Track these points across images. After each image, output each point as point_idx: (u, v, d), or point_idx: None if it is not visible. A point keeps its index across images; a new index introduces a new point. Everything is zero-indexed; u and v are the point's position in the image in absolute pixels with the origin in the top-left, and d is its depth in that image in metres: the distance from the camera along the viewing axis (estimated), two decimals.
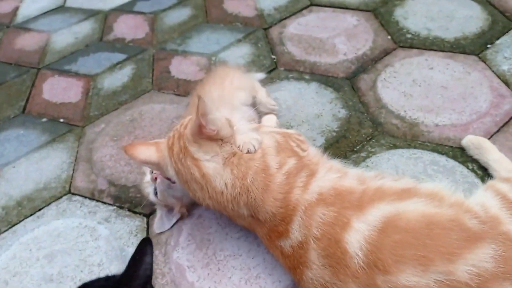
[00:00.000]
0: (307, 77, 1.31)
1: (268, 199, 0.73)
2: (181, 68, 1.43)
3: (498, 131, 1.06)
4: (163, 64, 1.47)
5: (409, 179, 0.79)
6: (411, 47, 1.36)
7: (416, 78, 1.24)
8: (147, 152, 0.81)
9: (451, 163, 1.00)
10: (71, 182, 1.13)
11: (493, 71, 1.21)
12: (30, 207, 1.09)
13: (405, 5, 1.54)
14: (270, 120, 1.09)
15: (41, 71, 1.54)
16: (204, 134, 0.74)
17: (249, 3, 1.72)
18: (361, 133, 1.11)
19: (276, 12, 1.63)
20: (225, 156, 0.76)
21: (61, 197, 1.10)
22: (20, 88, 1.48)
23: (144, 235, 0.98)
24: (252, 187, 0.74)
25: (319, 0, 1.66)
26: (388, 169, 1.00)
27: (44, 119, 1.34)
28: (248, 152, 0.76)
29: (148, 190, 0.97)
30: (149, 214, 1.03)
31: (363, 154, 1.05)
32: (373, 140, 1.09)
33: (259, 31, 1.55)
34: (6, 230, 1.05)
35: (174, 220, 0.98)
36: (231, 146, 0.77)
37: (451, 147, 1.04)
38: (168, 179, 0.91)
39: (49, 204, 1.09)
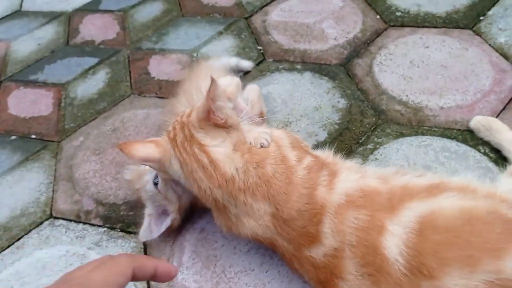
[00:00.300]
0: (299, 67, 1.23)
1: (293, 193, 0.66)
2: (161, 68, 1.32)
3: (504, 108, 1.00)
4: (141, 65, 1.36)
5: (433, 174, 0.73)
6: (402, 25, 1.29)
7: (413, 58, 1.17)
8: (146, 149, 0.72)
9: (462, 147, 0.94)
10: (52, 205, 1.02)
11: (490, 45, 1.16)
12: (6, 237, 0.97)
13: None
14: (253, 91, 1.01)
15: (3, 84, 1.40)
16: (212, 120, 0.68)
17: None
18: (364, 123, 1.04)
19: (255, 0, 1.53)
20: (233, 141, 0.70)
21: (42, 222, 0.99)
22: None
23: None
24: (274, 178, 0.66)
25: None
26: (398, 160, 0.94)
27: (13, 137, 1.21)
28: (262, 146, 0.70)
29: (146, 178, 0.86)
30: None
31: (370, 146, 0.98)
32: (378, 130, 1.02)
33: (240, 21, 1.45)
34: None
35: (164, 228, 0.86)
36: (239, 133, 0.71)
37: (460, 130, 0.98)
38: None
39: (29, 232, 0.97)
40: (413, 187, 0.68)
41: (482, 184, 0.69)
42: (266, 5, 1.50)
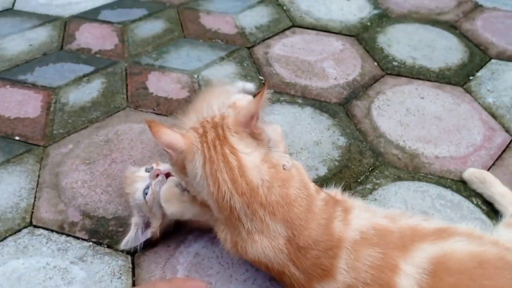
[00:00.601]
0: (299, 101, 1.25)
1: (312, 221, 0.65)
2: (160, 85, 1.30)
3: (493, 164, 1.06)
4: (139, 79, 1.33)
5: (439, 220, 0.75)
6: (399, 75, 1.35)
7: (410, 107, 1.22)
8: (173, 135, 0.68)
9: (457, 197, 0.97)
10: (32, 212, 0.95)
11: (479, 103, 1.23)
12: None
13: (387, 33, 1.55)
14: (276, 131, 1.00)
15: None
16: (251, 127, 0.68)
17: (228, 19, 1.64)
18: (363, 163, 1.06)
19: (258, 31, 1.56)
20: (262, 155, 0.69)
21: (20, 230, 0.91)
22: None
23: (130, 277, 0.83)
24: (295, 202, 0.65)
25: (301, 22, 1.62)
26: (397, 203, 0.95)
27: None
28: (284, 168, 0.69)
29: (138, 185, 0.85)
30: (134, 252, 0.88)
31: (369, 186, 1.00)
32: (377, 171, 1.04)
33: (243, 49, 1.47)
34: None
35: (143, 239, 0.85)
36: (266, 149, 0.72)
37: (453, 180, 1.02)
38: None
39: (5, 238, 0.90)
40: (422, 229, 0.69)
41: (485, 232, 0.71)
42: (269, 38, 1.53)
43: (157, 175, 0.82)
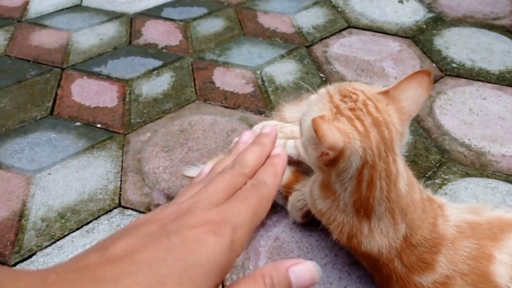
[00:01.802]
0: None
1: (425, 221, 0.68)
2: (225, 79, 1.36)
3: None
4: (205, 74, 1.39)
5: None
6: (458, 76, 1.38)
7: (472, 107, 1.25)
8: (335, 136, 0.57)
9: None
10: (120, 194, 1.02)
11: None
12: (75, 220, 0.96)
13: (444, 35, 1.57)
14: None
15: (66, 71, 1.41)
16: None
17: (285, 19, 1.69)
18: (429, 159, 1.09)
19: (315, 31, 1.61)
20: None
21: (111, 210, 0.98)
22: (44, 88, 1.34)
23: None
24: (418, 205, 0.67)
25: (357, 23, 1.66)
26: (467, 198, 0.98)
27: (78, 123, 1.21)
28: None
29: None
30: None
31: (438, 181, 1.03)
32: (444, 167, 1.07)
33: (302, 48, 1.51)
34: (49, 245, 0.91)
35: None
36: None
37: None
38: None
39: (98, 217, 0.97)
40: (507, 220, 0.71)
41: None
42: (326, 38, 1.58)
43: None
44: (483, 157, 1.10)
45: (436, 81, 1.36)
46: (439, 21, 1.67)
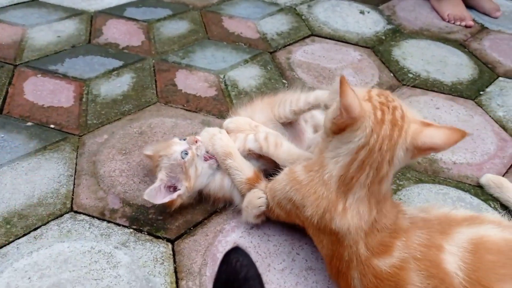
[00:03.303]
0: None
1: (391, 212, 0.75)
2: (188, 82, 1.35)
3: (507, 172, 1.14)
4: (167, 76, 1.37)
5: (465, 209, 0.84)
6: (414, 86, 1.43)
7: (427, 116, 1.29)
8: (354, 100, 0.67)
9: (476, 200, 1.04)
10: (72, 198, 0.97)
11: (490, 116, 1.31)
12: (22, 225, 0.91)
13: (401, 47, 1.63)
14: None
15: (19, 68, 1.35)
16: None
17: (250, 25, 1.69)
18: None
19: (279, 38, 1.62)
20: None
21: (62, 215, 0.94)
22: None
23: (171, 263, 0.87)
24: (388, 195, 0.76)
25: (320, 31, 1.69)
26: (420, 203, 1.02)
27: (30, 123, 1.15)
28: None
29: (175, 148, 0.92)
30: (174, 239, 0.91)
31: (393, 187, 1.06)
32: (399, 173, 1.10)
33: (266, 54, 1.52)
34: None
35: (167, 199, 0.90)
36: None
37: (471, 185, 1.09)
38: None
39: (47, 222, 0.92)
40: (455, 217, 0.78)
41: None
42: (290, 44, 1.59)
43: (196, 141, 0.93)
44: (436, 164, 1.14)
45: (393, 90, 1.40)
46: (397, 32, 1.74)
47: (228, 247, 0.90)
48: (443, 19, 1.84)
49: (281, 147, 0.93)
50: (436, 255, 0.69)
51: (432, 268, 0.68)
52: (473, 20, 1.84)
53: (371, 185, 0.71)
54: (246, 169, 0.93)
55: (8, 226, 0.91)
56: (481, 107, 1.35)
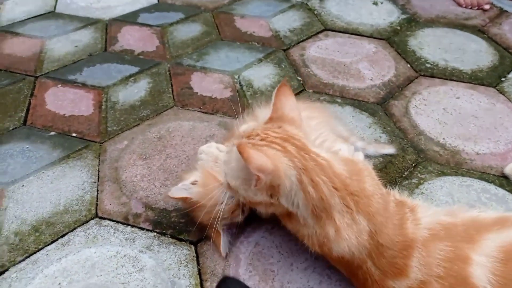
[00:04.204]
0: (339, 100, 1.30)
1: (389, 220, 0.68)
2: (203, 85, 1.36)
3: None
4: (183, 79, 1.38)
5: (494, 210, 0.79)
6: (432, 76, 1.40)
7: (446, 106, 1.27)
8: (262, 158, 0.65)
9: (501, 191, 1.02)
10: (97, 205, 1.00)
11: None
12: (50, 232, 0.94)
13: (417, 36, 1.60)
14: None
15: (39, 80, 1.38)
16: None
17: (262, 23, 1.69)
18: (406, 159, 1.11)
19: (292, 34, 1.62)
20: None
21: (87, 221, 0.96)
22: (17, 97, 1.31)
23: (195, 265, 0.88)
24: (373, 197, 0.68)
25: (333, 25, 1.68)
26: (443, 197, 1.00)
27: (52, 133, 1.19)
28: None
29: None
30: (196, 242, 0.93)
31: (414, 181, 1.04)
32: (420, 167, 1.08)
33: (279, 52, 1.52)
34: (23, 259, 0.89)
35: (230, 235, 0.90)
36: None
37: (495, 175, 1.06)
38: None
39: (74, 229, 0.95)
40: (483, 220, 0.72)
41: None
42: (303, 41, 1.58)
43: None
44: (458, 155, 1.12)
45: (411, 81, 1.38)
46: (412, 22, 1.70)
47: (250, 247, 0.91)
48: (460, 5, 1.80)
49: None
50: (462, 269, 0.64)
51: (458, 285, 0.63)
52: (492, 4, 1.79)
53: (334, 184, 0.67)
54: None
55: (37, 234, 0.94)
56: (503, 94, 1.32)
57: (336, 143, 0.94)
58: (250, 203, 0.75)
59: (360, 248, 0.68)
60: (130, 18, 1.71)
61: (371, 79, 1.38)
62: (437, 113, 1.25)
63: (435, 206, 0.87)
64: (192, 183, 0.88)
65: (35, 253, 0.90)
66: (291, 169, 0.66)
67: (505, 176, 1.05)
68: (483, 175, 1.06)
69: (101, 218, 0.97)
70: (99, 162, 1.10)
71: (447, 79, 1.39)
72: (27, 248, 0.91)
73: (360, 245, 0.68)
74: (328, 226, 0.68)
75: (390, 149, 1.11)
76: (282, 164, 0.66)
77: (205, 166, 0.91)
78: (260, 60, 1.47)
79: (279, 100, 0.74)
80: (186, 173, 0.94)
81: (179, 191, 0.88)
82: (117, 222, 0.96)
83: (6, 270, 0.86)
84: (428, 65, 1.45)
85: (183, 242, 0.92)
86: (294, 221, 0.73)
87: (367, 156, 1.08)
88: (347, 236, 0.67)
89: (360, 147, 1.06)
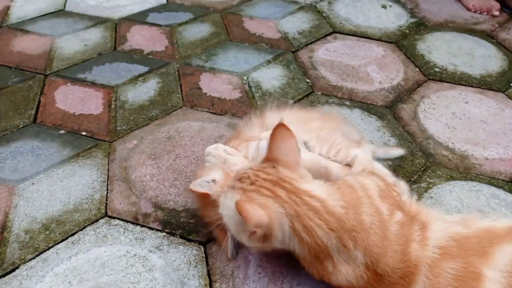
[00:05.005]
0: (347, 103, 1.30)
1: (388, 249, 0.65)
2: (212, 85, 1.36)
3: None
4: (191, 80, 1.39)
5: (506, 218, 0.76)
6: (441, 80, 1.40)
7: (455, 111, 1.27)
8: (257, 212, 0.65)
9: (510, 197, 1.01)
10: (106, 204, 1.00)
11: None
12: (60, 231, 0.94)
13: (426, 40, 1.60)
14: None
15: (49, 78, 1.39)
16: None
17: (271, 24, 1.69)
18: (415, 163, 1.11)
19: (301, 36, 1.62)
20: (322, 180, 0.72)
21: (97, 220, 0.97)
22: (26, 95, 1.32)
23: (204, 266, 0.88)
24: (371, 229, 0.65)
25: (341, 28, 1.68)
26: (452, 201, 1.00)
27: (62, 131, 1.19)
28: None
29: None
30: (205, 242, 0.93)
31: (423, 185, 1.04)
32: (429, 171, 1.08)
33: (288, 53, 1.52)
34: (33, 257, 0.89)
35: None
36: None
37: (505, 180, 1.06)
38: None
39: (84, 228, 0.95)
40: (496, 230, 0.69)
41: None
42: (311, 43, 1.59)
43: None
44: (467, 160, 1.12)
45: (419, 85, 1.38)
46: (421, 26, 1.70)
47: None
48: (468, 10, 1.80)
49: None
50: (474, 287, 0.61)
51: None
52: (501, 9, 1.79)
53: (328, 225, 0.65)
54: None
55: (47, 232, 0.94)
56: None
57: (351, 150, 0.93)
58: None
59: (358, 278, 0.67)
60: (139, 18, 1.72)
61: (380, 83, 1.38)
62: (446, 117, 1.25)
63: (447, 214, 0.85)
64: (212, 180, 0.89)
65: (45, 251, 0.91)
66: (283, 217, 0.66)
67: None
68: (492, 180, 1.06)
69: (110, 217, 0.98)
70: (108, 161, 1.11)
71: (456, 84, 1.39)
72: (37, 246, 0.91)
73: (357, 276, 0.66)
74: (327, 262, 0.67)
75: (399, 151, 1.11)
76: (274, 212, 0.66)
77: (212, 167, 0.92)
78: (268, 62, 1.47)
79: (274, 142, 0.72)
80: (201, 170, 0.94)
81: (199, 186, 0.88)
82: (127, 221, 0.97)
83: (17, 267, 0.87)
84: (437, 69, 1.45)
85: (193, 243, 0.93)
86: (293, 254, 0.73)
87: (377, 159, 1.08)
88: (344, 270, 0.66)
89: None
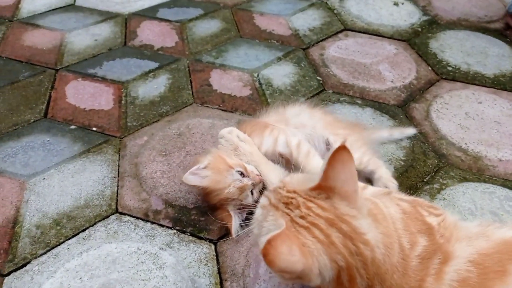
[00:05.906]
0: (359, 101, 1.29)
1: (405, 286, 0.63)
2: (223, 82, 1.35)
3: None
4: (202, 76, 1.38)
5: None
6: (454, 79, 1.38)
7: (468, 111, 1.25)
8: (291, 259, 0.57)
9: None
10: (117, 200, 1.00)
11: None
12: (71, 226, 0.94)
13: (439, 38, 1.58)
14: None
15: (60, 73, 1.39)
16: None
17: (281, 21, 1.68)
18: (427, 163, 1.09)
19: (312, 34, 1.61)
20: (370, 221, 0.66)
21: (108, 216, 0.97)
22: (37, 90, 1.32)
23: (215, 264, 0.88)
24: (396, 269, 0.62)
25: (353, 25, 1.66)
26: (466, 203, 0.99)
27: (73, 126, 1.19)
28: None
29: (248, 193, 0.90)
30: (216, 240, 0.92)
31: (436, 186, 1.03)
32: (442, 172, 1.07)
33: (299, 51, 1.51)
34: (45, 253, 0.89)
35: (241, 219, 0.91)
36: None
37: None
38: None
39: (95, 224, 0.95)
40: None
41: None
42: (323, 40, 1.57)
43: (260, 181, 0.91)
44: (480, 161, 1.10)
45: (432, 84, 1.37)
46: (434, 24, 1.68)
47: None
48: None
49: (312, 158, 0.93)
50: None
51: None
52: None
53: (369, 275, 0.61)
54: (273, 179, 0.92)
55: (58, 228, 0.94)
56: None
57: (376, 160, 0.99)
58: None
59: None
60: (149, 13, 1.71)
61: (392, 81, 1.37)
62: (459, 117, 1.23)
63: (462, 219, 0.81)
64: (205, 167, 0.92)
65: (56, 246, 0.91)
66: (328, 269, 0.59)
67: None
68: (506, 182, 1.05)
69: (121, 213, 0.98)
70: (119, 157, 1.10)
71: (469, 83, 1.37)
72: (48, 241, 0.92)
73: None
74: None
75: (412, 130, 1.17)
76: (318, 263, 0.59)
77: (223, 151, 0.95)
78: (279, 59, 1.46)
79: (333, 168, 0.61)
80: (201, 157, 0.96)
81: (192, 177, 0.90)
82: (137, 218, 0.96)
83: (28, 262, 0.87)
84: (450, 68, 1.43)
85: (203, 241, 0.92)
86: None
87: (394, 141, 1.14)
88: None
89: (385, 135, 1.13)
